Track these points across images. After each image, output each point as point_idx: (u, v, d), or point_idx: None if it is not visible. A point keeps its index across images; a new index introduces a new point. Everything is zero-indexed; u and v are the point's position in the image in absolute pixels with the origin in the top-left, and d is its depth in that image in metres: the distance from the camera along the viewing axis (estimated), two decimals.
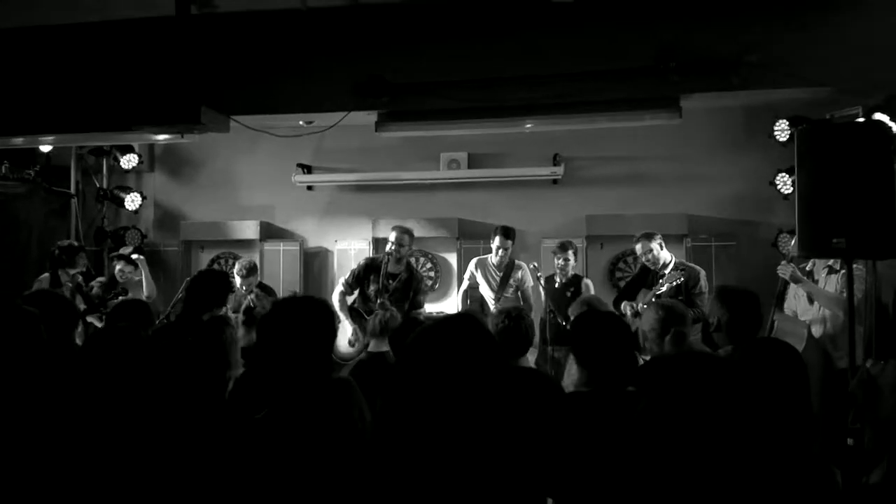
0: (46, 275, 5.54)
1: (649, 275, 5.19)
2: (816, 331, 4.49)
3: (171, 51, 4.58)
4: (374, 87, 4.87)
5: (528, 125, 5.25)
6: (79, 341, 3.75)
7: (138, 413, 2.09)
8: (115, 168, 7.38)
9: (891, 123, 4.49)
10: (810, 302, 4.58)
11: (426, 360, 1.81)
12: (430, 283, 6.99)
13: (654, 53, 4.57)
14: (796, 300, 4.70)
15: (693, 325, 3.61)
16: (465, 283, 5.90)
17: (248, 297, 5.40)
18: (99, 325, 5.25)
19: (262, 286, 5.81)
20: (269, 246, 7.18)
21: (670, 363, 1.75)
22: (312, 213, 7.38)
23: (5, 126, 5.34)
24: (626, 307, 5.07)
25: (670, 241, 5.47)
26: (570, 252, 5.51)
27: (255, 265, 5.79)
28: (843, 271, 4.18)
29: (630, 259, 6.57)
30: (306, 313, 2.16)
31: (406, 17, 4.79)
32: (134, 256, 5.88)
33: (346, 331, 5.24)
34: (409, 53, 4.90)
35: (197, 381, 2.08)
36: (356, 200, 7.27)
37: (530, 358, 3.57)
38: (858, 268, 3.97)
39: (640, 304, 4.96)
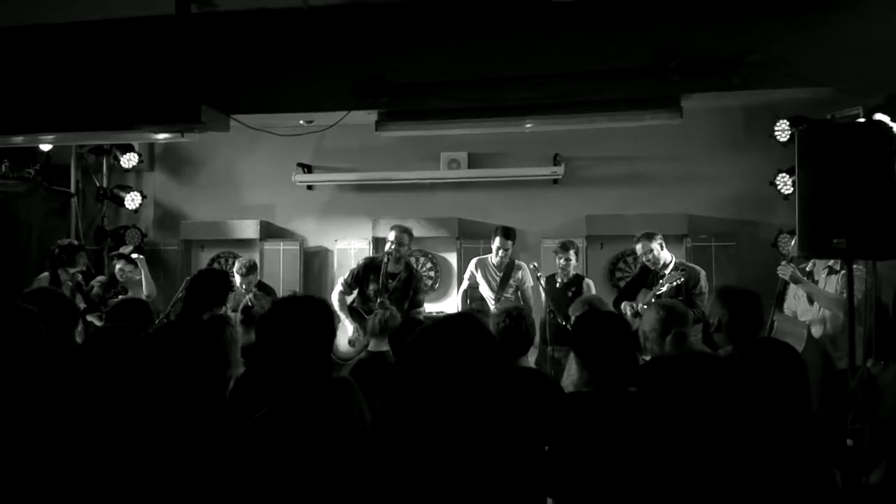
0: (46, 274, 5.54)
1: (649, 275, 5.19)
2: (816, 331, 4.50)
3: (171, 49, 4.58)
4: (375, 86, 4.87)
5: (529, 125, 5.24)
6: (79, 340, 3.75)
7: (138, 412, 2.08)
8: (115, 167, 7.38)
9: (891, 124, 4.48)
10: (810, 302, 4.58)
11: (426, 359, 1.81)
12: (430, 282, 6.99)
13: (655, 53, 4.57)
14: (796, 301, 4.70)
15: (693, 326, 3.61)
16: (465, 283, 5.90)
17: (247, 297, 5.40)
18: (99, 324, 5.25)
19: (261, 285, 5.81)
20: (269, 245, 7.18)
21: (672, 364, 1.75)
22: (312, 212, 7.37)
23: (5, 125, 5.33)
24: (626, 307, 5.08)
25: (670, 241, 5.47)
26: (572, 252, 5.50)
27: (254, 264, 5.79)
28: (843, 272, 4.19)
29: (630, 259, 6.57)
30: (306, 313, 2.15)
31: (406, 16, 4.79)
32: (133, 256, 5.87)
33: (345, 331, 5.24)
34: (410, 53, 4.89)
35: (197, 381, 2.07)
36: (356, 200, 7.27)
37: (530, 358, 3.57)
38: (858, 268, 3.97)
39: (640, 305, 4.96)
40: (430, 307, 6.43)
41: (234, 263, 5.81)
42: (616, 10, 4.62)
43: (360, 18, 4.77)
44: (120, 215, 7.54)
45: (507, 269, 5.67)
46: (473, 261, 5.88)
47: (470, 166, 7.01)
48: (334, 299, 5.31)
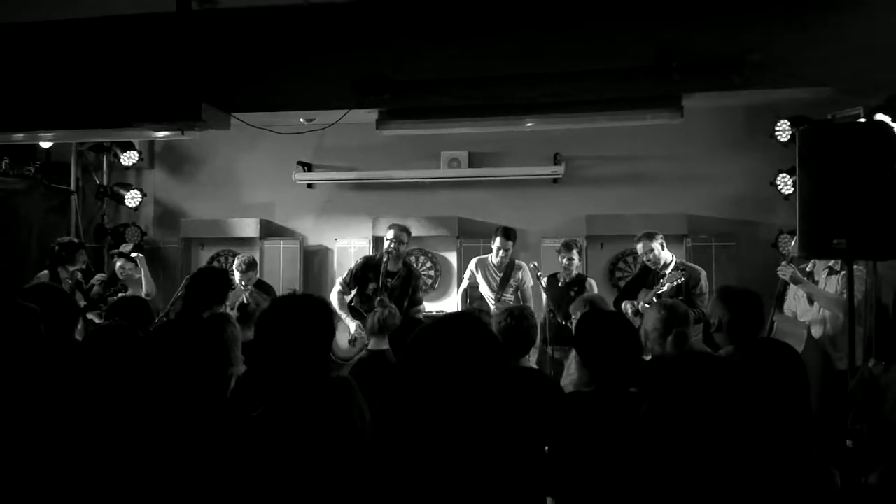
0: (46, 272, 5.54)
1: (650, 275, 5.19)
2: (816, 332, 4.50)
3: (171, 47, 4.58)
4: (376, 84, 4.86)
5: (529, 124, 5.24)
6: (79, 338, 3.75)
7: (138, 411, 2.08)
8: (116, 165, 7.38)
9: (892, 124, 4.48)
10: (810, 303, 4.58)
11: (426, 359, 1.81)
12: (430, 282, 6.99)
13: (655, 53, 4.56)
14: (796, 301, 4.70)
15: (694, 326, 3.61)
16: (465, 283, 5.89)
17: (244, 294, 5.40)
18: (99, 322, 5.25)
19: (260, 284, 5.81)
20: (269, 244, 7.18)
21: (673, 364, 1.75)
22: (312, 210, 7.37)
23: (5, 122, 5.32)
24: (626, 306, 5.07)
25: (670, 241, 5.47)
26: (575, 252, 5.50)
27: (254, 261, 5.80)
28: (843, 272, 4.18)
29: (630, 259, 6.57)
30: (305, 312, 2.15)
31: (408, 14, 4.79)
32: (133, 255, 5.87)
33: (345, 330, 5.24)
34: (411, 51, 4.89)
35: (198, 379, 2.07)
36: (356, 198, 7.26)
37: (531, 358, 3.57)
38: (859, 269, 3.97)
39: (641, 304, 4.96)
40: (430, 306, 6.43)
41: (234, 261, 5.81)
42: (616, 10, 4.62)
43: (361, 16, 4.77)
44: (120, 213, 7.54)
45: (508, 269, 5.67)
46: (474, 260, 5.87)
47: (470, 165, 7.00)
48: (333, 299, 5.31)
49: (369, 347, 4.03)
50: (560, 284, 5.51)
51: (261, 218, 7.27)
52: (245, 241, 7.24)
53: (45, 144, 6.68)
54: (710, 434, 1.54)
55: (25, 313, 2.65)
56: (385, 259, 5.25)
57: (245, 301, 5.34)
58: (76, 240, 6.03)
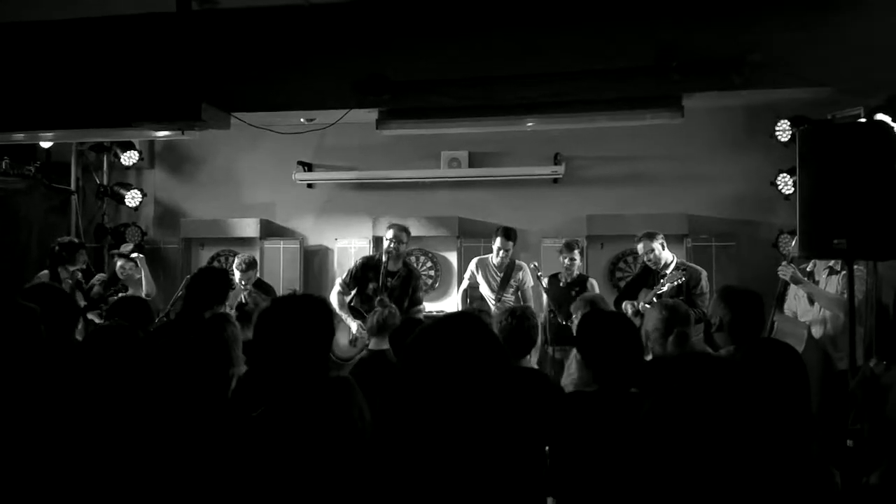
0: (46, 272, 5.54)
1: (650, 274, 5.19)
2: (816, 332, 4.50)
3: (171, 47, 4.58)
4: (376, 84, 4.87)
5: (529, 124, 5.24)
6: (79, 338, 3.75)
7: (138, 411, 2.08)
8: (116, 165, 7.38)
9: (892, 124, 4.48)
10: (810, 303, 4.58)
11: (427, 359, 1.81)
12: (430, 282, 6.99)
13: (655, 53, 4.57)
14: (796, 301, 4.70)
15: (695, 326, 3.61)
16: (465, 283, 5.89)
17: (243, 294, 5.40)
18: (99, 322, 5.25)
19: (259, 283, 5.81)
20: (269, 244, 7.18)
21: (674, 364, 1.74)
22: (313, 210, 7.37)
23: (6, 122, 5.33)
24: (626, 306, 5.08)
25: (670, 241, 5.47)
26: (577, 252, 5.50)
27: (254, 260, 5.81)
28: (843, 272, 4.18)
29: (630, 259, 6.57)
30: (304, 312, 2.15)
31: (408, 14, 4.79)
32: (133, 255, 5.87)
33: (345, 330, 5.24)
34: (411, 51, 4.89)
35: (199, 379, 2.07)
36: (357, 198, 7.26)
37: (532, 358, 3.56)
38: (859, 269, 3.97)
39: (641, 304, 4.96)
40: (430, 306, 6.43)
41: (234, 261, 5.82)
42: (616, 10, 4.62)
43: (361, 16, 4.77)
44: (120, 213, 7.54)
45: (508, 269, 5.67)
46: (474, 261, 5.87)
47: (470, 165, 7.00)
48: (333, 300, 5.30)
49: (370, 347, 4.03)
50: (561, 285, 5.51)
51: (261, 218, 7.27)
52: (245, 241, 7.23)
53: (46, 144, 6.68)
54: (711, 434, 1.54)
55: (25, 313, 2.64)
56: (385, 259, 5.25)
57: (243, 300, 5.34)
58: (76, 240, 6.03)
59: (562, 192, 6.89)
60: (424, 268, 7.01)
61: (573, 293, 5.33)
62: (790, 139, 5.97)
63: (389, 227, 5.35)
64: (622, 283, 6.26)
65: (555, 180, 6.87)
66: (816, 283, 4.59)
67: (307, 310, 2.16)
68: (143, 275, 5.84)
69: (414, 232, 5.52)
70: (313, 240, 7.36)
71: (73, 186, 7.28)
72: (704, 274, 5.09)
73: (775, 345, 3.28)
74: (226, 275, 4.46)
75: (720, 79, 4.54)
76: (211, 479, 1.90)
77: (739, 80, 4.48)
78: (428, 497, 1.71)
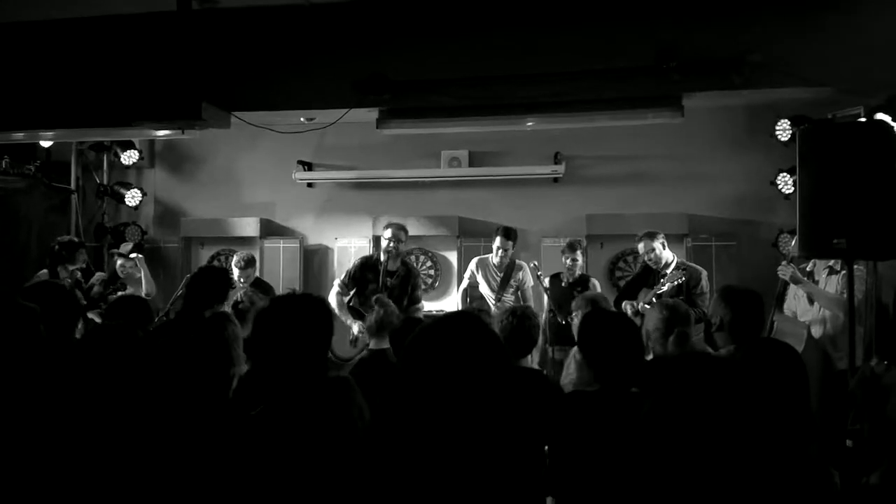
0: (45, 271, 5.54)
1: (651, 274, 5.19)
2: (816, 331, 4.50)
3: (172, 46, 4.58)
4: (376, 84, 4.87)
5: (530, 123, 5.24)
6: (79, 337, 3.74)
7: (138, 411, 2.08)
8: (116, 164, 7.37)
9: (893, 124, 4.48)
10: (810, 303, 4.58)
11: (427, 358, 1.81)
12: (430, 281, 6.99)
13: (655, 52, 4.57)
14: (796, 301, 4.70)
15: (695, 325, 3.61)
16: (465, 283, 5.89)
17: (239, 292, 5.40)
18: (99, 321, 5.24)
19: (258, 282, 5.81)
20: (269, 243, 7.18)
21: (674, 364, 1.74)
22: (313, 210, 7.37)
23: (6, 121, 5.33)
24: (626, 306, 5.07)
25: (671, 240, 5.47)
26: (579, 252, 5.49)
27: (252, 258, 5.81)
28: (843, 272, 4.18)
29: (630, 258, 6.57)
30: (304, 311, 2.15)
31: (408, 14, 4.79)
32: (132, 255, 5.87)
33: (345, 330, 5.23)
34: (411, 51, 4.89)
35: (199, 379, 2.07)
36: (357, 198, 7.26)
37: (534, 358, 3.56)
38: (859, 268, 3.97)
39: (641, 304, 4.95)
40: (430, 306, 6.43)
41: (233, 258, 5.81)
42: (616, 10, 4.62)
43: (361, 16, 4.78)
44: (120, 212, 7.54)
45: (508, 269, 5.67)
46: (474, 260, 5.87)
47: (471, 165, 7.00)
48: (332, 301, 5.28)
49: (370, 347, 4.02)
50: (563, 285, 5.50)
51: (261, 217, 7.27)
52: (245, 241, 7.23)
53: (46, 143, 6.68)
54: (711, 434, 1.54)
55: (25, 313, 2.64)
56: (384, 258, 5.25)
57: (239, 299, 5.33)
58: (76, 239, 6.03)
59: (562, 192, 6.89)
60: (424, 267, 7.01)
61: (575, 293, 5.32)
62: (790, 139, 5.97)
63: (387, 227, 5.36)
64: (622, 283, 6.26)
65: (555, 180, 6.87)
66: (816, 282, 4.59)
67: (306, 309, 2.16)
68: (143, 274, 5.84)
69: (414, 231, 5.52)
70: (313, 239, 7.36)
71: (73, 185, 7.27)
72: (705, 274, 5.09)
73: (775, 344, 3.29)
74: (226, 274, 4.46)
75: (720, 79, 4.54)
76: (211, 479, 1.90)
77: (739, 80, 4.48)
78: (428, 497, 1.71)
